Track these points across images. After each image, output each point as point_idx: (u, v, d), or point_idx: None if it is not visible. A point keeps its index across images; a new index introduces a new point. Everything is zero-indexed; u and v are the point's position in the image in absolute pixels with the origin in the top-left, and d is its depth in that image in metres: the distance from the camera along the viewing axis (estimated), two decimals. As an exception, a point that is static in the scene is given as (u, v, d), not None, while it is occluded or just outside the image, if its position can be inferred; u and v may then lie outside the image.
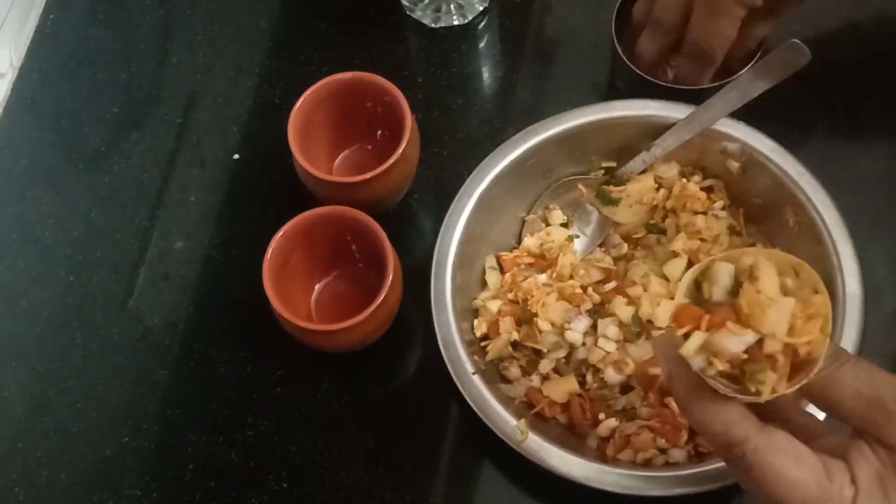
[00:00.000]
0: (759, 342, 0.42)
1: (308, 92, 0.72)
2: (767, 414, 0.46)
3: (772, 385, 0.42)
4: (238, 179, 0.80)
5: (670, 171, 0.73)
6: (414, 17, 0.84)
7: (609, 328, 0.68)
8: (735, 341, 0.41)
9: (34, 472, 0.71)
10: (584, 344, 0.69)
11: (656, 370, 0.66)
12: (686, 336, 0.42)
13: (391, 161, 0.69)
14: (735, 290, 0.42)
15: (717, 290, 0.42)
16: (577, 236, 0.74)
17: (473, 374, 0.65)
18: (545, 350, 0.69)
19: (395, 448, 0.70)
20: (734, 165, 0.71)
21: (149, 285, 0.76)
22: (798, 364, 0.42)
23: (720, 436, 0.45)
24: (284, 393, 0.72)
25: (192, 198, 0.79)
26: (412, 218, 0.77)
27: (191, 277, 0.76)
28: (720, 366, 0.42)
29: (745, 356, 0.42)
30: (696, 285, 0.44)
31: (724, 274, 0.43)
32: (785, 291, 0.42)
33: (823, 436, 0.48)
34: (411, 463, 0.69)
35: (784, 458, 0.44)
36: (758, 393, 0.42)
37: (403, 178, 0.72)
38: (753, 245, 0.72)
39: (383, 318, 0.68)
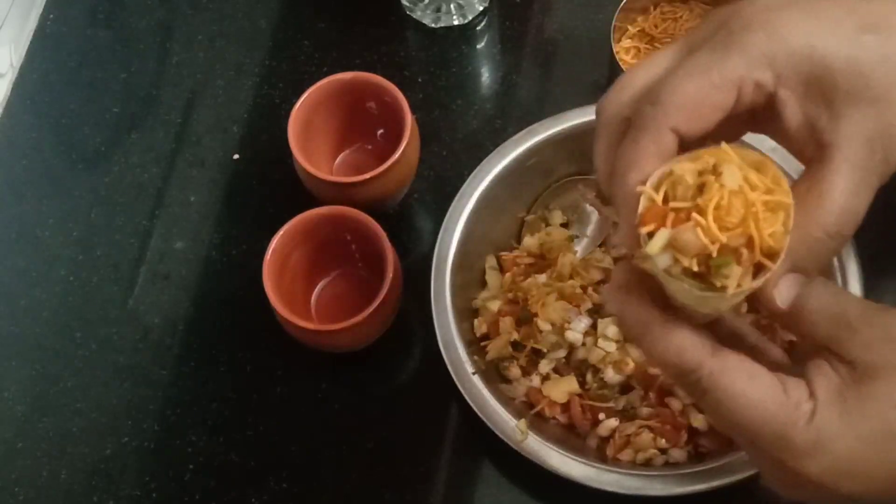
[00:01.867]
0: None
1: (308, 92, 0.72)
2: (727, 343, 0.45)
3: (737, 279, 0.40)
4: (238, 179, 0.80)
5: (670, 170, 0.73)
6: (414, 17, 0.84)
7: (609, 328, 0.68)
8: (699, 234, 0.40)
9: (34, 472, 0.71)
10: (584, 344, 0.69)
11: (656, 370, 0.66)
12: (650, 236, 0.40)
13: (391, 161, 0.69)
14: (698, 193, 0.41)
15: (682, 191, 0.41)
16: (577, 236, 0.74)
17: (473, 374, 0.65)
18: (545, 350, 0.69)
19: (395, 448, 0.70)
20: (734, 165, 0.71)
21: (149, 285, 0.76)
22: (759, 264, 0.41)
23: (674, 365, 0.44)
24: (284, 393, 0.72)
25: (192, 198, 0.79)
26: (412, 218, 0.77)
27: (191, 277, 0.76)
28: (686, 262, 0.40)
29: (714, 250, 0.40)
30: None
31: (687, 173, 0.41)
32: (750, 186, 0.41)
33: (783, 362, 0.47)
34: (411, 463, 0.69)
35: (738, 377, 0.43)
36: (723, 288, 0.40)
37: (403, 178, 0.72)
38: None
39: (383, 318, 0.68)
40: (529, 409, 0.67)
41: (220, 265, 0.77)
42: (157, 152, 0.81)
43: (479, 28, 0.84)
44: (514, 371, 0.69)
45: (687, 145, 0.42)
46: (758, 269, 0.41)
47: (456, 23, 0.84)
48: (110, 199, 0.80)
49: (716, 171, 0.41)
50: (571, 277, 0.71)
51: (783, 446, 0.42)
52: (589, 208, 0.74)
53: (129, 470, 0.70)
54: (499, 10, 0.85)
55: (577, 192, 0.75)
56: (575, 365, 0.69)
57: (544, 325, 0.68)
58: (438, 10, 0.84)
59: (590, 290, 0.70)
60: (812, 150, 0.43)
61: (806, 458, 0.42)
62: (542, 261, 0.72)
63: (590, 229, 0.74)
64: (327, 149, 0.76)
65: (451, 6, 0.83)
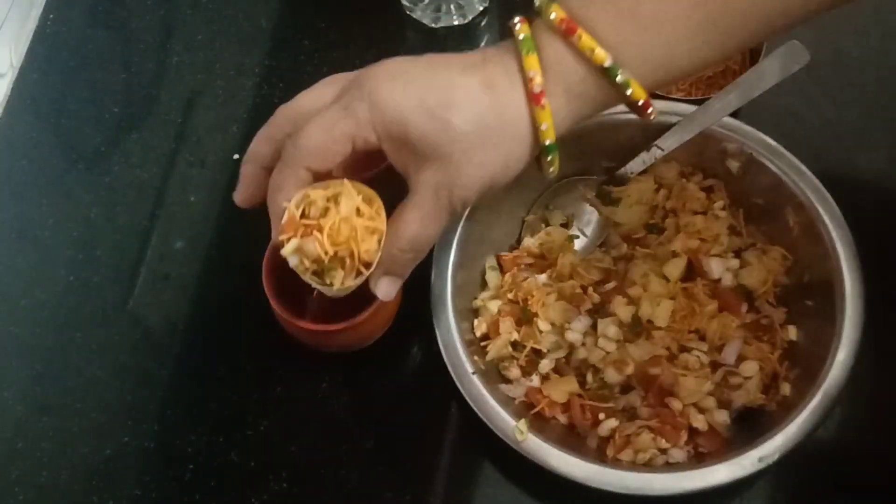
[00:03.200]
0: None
1: (308, 92, 0.72)
2: None
3: (341, 279, 0.57)
4: (238, 179, 0.80)
5: (670, 171, 0.73)
6: (414, 17, 0.84)
7: (609, 328, 0.68)
8: (317, 246, 0.56)
9: (34, 472, 0.71)
10: (584, 344, 0.69)
11: (656, 370, 0.66)
12: (288, 241, 0.57)
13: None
14: (325, 214, 0.57)
15: (314, 210, 0.57)
16: (577, 236, 0.74)
17: (473, 374, 0.65)
18: (545, 350, 0.69)
19: (395, 448, 0.70)
20: (734, 165, 0.71)
21: (149, 285, 0.76)
22: (359, 270, 0.57)
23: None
24: (284, 393, 0.72)
25: (192, 198, 0.79)
26: (412, 218, 0.77)
27: (191, 277, 0.76)
28: (308, 264, 0.57)
29: (325, 258, 0.56)
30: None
31: (318, 199, 0.57)
32: (359, 214, 0.57)
33: None
34: (411, 463, 0.69)
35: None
36: (331, 284, 0.57)
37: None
38: (754, 244, 0.72)
39: (383, 318, 0.68)
40: (529, 410, 0.67)
41: (220, 265, 0.77)
42: (157, 152, 0.81)
43: (479, 28, 0.84)
44: (514, 371, 0.69)
45: (321, 175, 0.56)
46: (359, 273, 0.57)
47: (456, 23, 0.84)
48: (110, 199, 0.80)
49: (337, 200, 0.57)
50: (571, 277, 0.71)
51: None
52: (589, 208, 0.74)
53: (129, 470, 0.70)
54: (499, 9, 0.85)
55: (577, 192, 0.75)
56: (575, 365, 0.69)
57: (544, 325, 0.68)
58: (438, 9, 0.84)
59: (590, 290, 0.70)
60: (407, 188, 0.56)
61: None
62: (543, 261, 0.72)
63: (590, 229, 0.74)
64: (327, 149, 0.76)
65: (451, 6, 0.83)
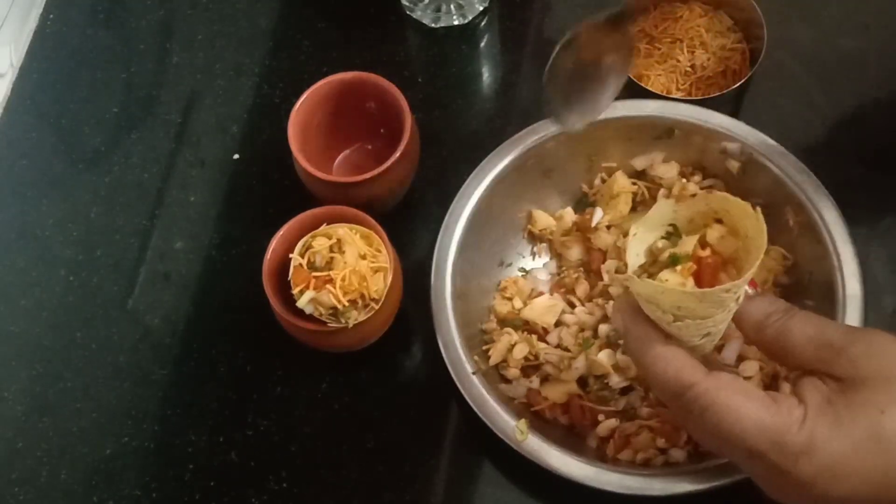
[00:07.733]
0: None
1: (308, 92, 0.72)
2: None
3: (355, 318, 0.64)
4: (238, 179, 0.80)
5: (670, 171, 0.73)
6: (414, 17, 0.84)
7: (611, 333, 0.68)
8: (332, 298, 0.63)
9: (34, 472, 0.71)
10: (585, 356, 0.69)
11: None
12: (301, 291, 0.63)
13: (391, 161, 0.69)
14: (331, 260, 0.64)
15: (319, 258, 0.63)
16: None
17: (473, 374, 0.65)
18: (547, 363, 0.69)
19: (395, 448, 0.70)
20: (734, 165, 0.71)
21: (149, 285, 0.76)
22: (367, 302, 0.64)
23: (673, 381, 0.49)
24: (284, 393, 0.72)
25: (192, 198, 0.79)
26: (412, 218, 0.77)
27: (191, 277, 0.76)
28: (325, 311, 0.63)
29: (341, 305, 0.63)
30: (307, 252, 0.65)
31: (322, 248, 0.64)
32: (363, 256, 0.64)
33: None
34: (411, 463, 0.69)
35: (733, 392, 0.48)
36: (347, 321, 0.64)
37: (403, 178, 0.72)
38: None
39: (383, 318, 0.68)
40: (529, 409, 0.67)
41: (220, 265, 0.77)
42: (157, 152, 0.81)
43: (479, 28, 0.84)
44: (514, 371, 0.69)
45: None
46: (370, 308, 0.64)
47: (456, 23, 0.84)
48: (110, 199, 0.80)
49: (340, 248, 0.64)
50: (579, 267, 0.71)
51: (779, 450, 0.46)
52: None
53: (129, 470, 0.70)
54: (499, 10, 0.85)
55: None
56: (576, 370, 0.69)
57: (550, 343, 0.69)
58: (438, 10, 0.84)
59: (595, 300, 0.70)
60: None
61: (801, 460, 0.46)
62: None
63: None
64: (327, 149, 0.76)
65: (451, 6, 0.83)
